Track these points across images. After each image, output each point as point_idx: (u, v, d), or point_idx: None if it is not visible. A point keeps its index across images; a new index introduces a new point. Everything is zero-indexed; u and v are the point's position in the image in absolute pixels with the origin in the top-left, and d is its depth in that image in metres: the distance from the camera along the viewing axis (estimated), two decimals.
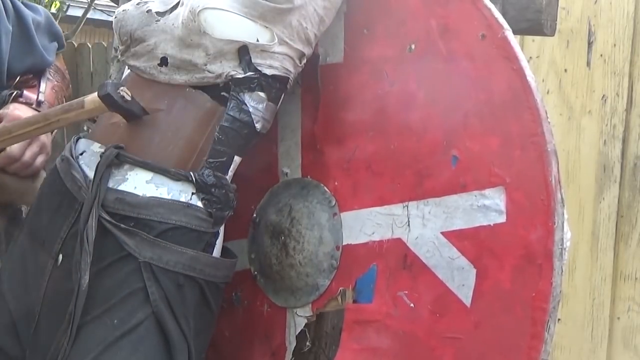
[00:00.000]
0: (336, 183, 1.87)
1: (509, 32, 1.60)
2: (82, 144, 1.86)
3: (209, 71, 1.75)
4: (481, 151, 1.60)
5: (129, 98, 1.74)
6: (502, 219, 1.56)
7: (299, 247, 1.86)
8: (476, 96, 1.63)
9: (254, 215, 2.02)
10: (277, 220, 1.92)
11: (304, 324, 1.90)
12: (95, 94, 1.75)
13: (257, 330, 2.00)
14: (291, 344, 1.92)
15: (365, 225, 1.79)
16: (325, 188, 1.89)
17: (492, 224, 1.58)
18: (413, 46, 1.75)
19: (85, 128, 1.94)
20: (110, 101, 1.72)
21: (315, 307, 1.87)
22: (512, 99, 1.57)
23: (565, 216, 1.51)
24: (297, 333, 1.91)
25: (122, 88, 1.74)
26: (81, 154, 1.83)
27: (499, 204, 1.57)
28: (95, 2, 6.40)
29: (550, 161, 1.51)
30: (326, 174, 1.90)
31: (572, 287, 2.99)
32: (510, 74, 1.58)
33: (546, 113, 1.54)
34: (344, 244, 1.83)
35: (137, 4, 1.83)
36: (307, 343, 1.91)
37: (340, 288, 1.82)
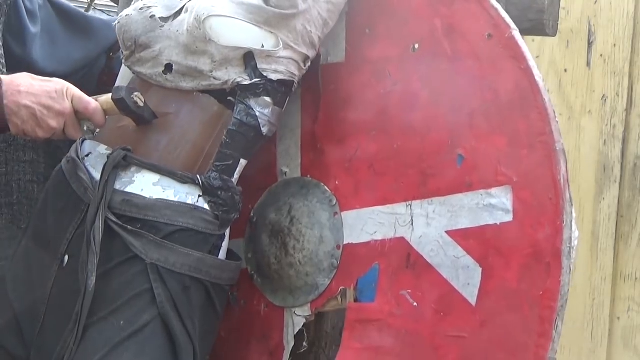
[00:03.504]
0: (337, 182, 1.87)
1: (516, 32, 1.61)
2: (88, 145, 1.86)
3: (215, 78, 1.75)
4: (487, 150, 1.61)
5: (141, 104, 1.75)
6: (509, 217, 1.57)
7: (299, 246, 1.87)
8: (482, 95, 1.63)
9: (251, 214, 2.01)
10: (277, 219, 1.92)
11: (302, 324, 1.90)
12: (109, 95, 1.75)
13: (255, 330, 2.00)
14: (289, 343, 1.92)
15: (367, 225, 1.80)
16: (326, 187, 1.89)
17: (498, 223, 1.58)
18: (417, 46, 1.76)
19: (85, 128, 1.92)
20: (123, 105, 1.73)
21: (314, 306, 1.87)
22: (520, 99, 1.58)
23: (574, 215, 1.52)
24: (295, 333, 1.91)
25: (136, 94, 1.74)
26: (87, 155, 1.83)
27: (505, 203, 1.57)
28: (95, 2, 6.37)
29: (559, 160, 1.52)
30: (327, 173, 1.90)
31: (572, 287, 2.96)
32: (517, 74, 1.59)
33: (554, 112, 1.55)
34: (344, 243, 1.83)
35: (140, 9, 1.82)
36: (304, 343, 1.90)
37: (341, 287, 1.82)
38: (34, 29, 2.13)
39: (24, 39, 2.12)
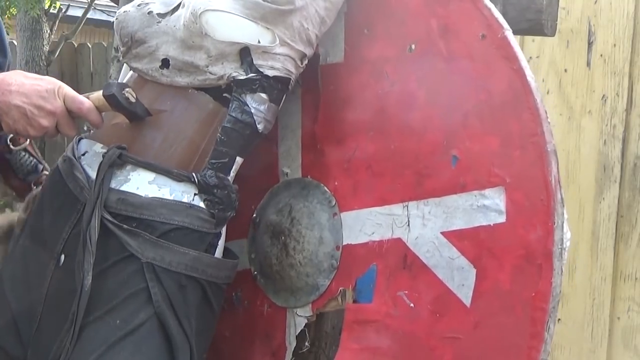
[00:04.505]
0: (336, 183, 1.87)
1: (509, 32, 1.61)
2: (84, 144, 1.86)
3: (210, 73, 1.76)
4: (481, 151, 1.61)
5: (133, 100, 1.75)
6: (502, 219, 1.57)
7: (299, 247, 1.86)
8: (476, 96, 1.63)
9: (254, 215, 2.02)
10: (278, 220, 1.92)
11: (304, 324, 1.90)
12: (100, 92, 1.76)
13: (257, 330, 2.00)
14: (291, 344, 1.92)
15: (365, 225, 1.79)
16: (326, 188, 1.89)
17: (492, 224, 1.58)
18: (413, 46, 1.76)
19: (85, 128, 1.93)
20: (114, 101, 1.73)
21: (315, 307, 1.87)
22: (512, 99, 1.57)
23: (565, 216, 1.51)
24: (297, 333, 1.91)
25: (127, 89, 1.75)
26: (83, 154, 1.83)
27: (498, 204, 1.57)
28: (95, 2, 6.40)
29: (550, 161, 1.51)
30: (326, 174, 1.90)
31: (572, 287, 2.99)
32: (510, 74, 1.58)
33: (546, 113, 1.54)
34: (344, 244, 1.83)
35: (138, 5, 1.83)
36: (306, 343, 1.90)
37: (340, 288, 1.82)
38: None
39: (5, 49, 2.13)
